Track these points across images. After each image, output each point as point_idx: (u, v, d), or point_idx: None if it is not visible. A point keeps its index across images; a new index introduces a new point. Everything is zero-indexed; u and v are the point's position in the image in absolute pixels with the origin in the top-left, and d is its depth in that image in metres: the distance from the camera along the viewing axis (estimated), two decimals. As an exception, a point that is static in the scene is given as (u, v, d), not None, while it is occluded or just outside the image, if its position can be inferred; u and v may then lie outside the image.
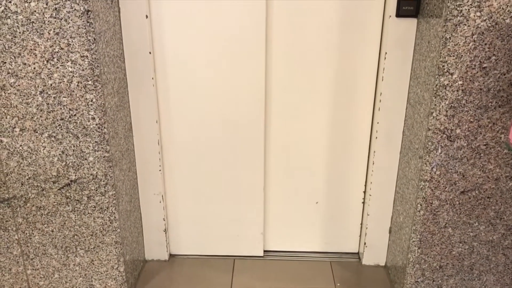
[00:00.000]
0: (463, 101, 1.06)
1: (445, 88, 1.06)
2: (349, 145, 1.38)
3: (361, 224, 1.50)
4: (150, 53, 1.25)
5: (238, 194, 1.44)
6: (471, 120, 1.08)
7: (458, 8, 0.98)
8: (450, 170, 1.13)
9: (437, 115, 1.08)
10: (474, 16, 0.99)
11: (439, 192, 1.16)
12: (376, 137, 1.33)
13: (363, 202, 1.47)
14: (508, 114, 1.07)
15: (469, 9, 0.98)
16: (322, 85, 1.31)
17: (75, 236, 1.24)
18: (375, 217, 1.43)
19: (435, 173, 1.14)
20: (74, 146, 1.13)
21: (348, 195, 1.46)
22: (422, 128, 1.15)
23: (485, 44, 1.01)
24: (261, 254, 1.53)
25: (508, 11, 0.98)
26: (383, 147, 1.33)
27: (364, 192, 1.45)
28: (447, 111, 1.08)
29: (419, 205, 1.18)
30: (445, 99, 1.06)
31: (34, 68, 1.05)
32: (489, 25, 0.99)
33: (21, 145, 1.13)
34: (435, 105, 1.08)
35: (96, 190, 1.18)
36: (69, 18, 1.01)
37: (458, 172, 1.14)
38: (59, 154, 1.14)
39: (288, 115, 1.35)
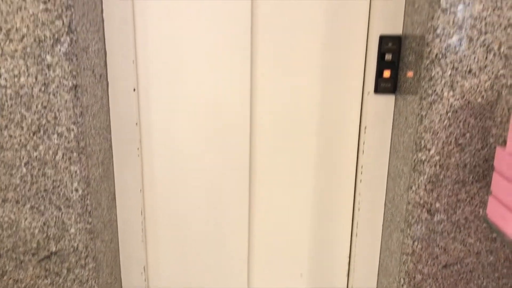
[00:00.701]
0: (441, 176, 1.09)
1: (423, 163, 1.08)
2: (333, 217, 1.39)
3: (346, 297, 1.48)
4: (136, 124, 1.28)
5: (221, 266, 1.42)
6: (450, 194, 1.10)
7: (432, 88, 1.03)
8: (431, 244, 1.14)
9: (416, 189, 1.10)
10: (447, 95, 1.03)
11: (421, 266, 1.16)
12: (359, 209, 1.34)
13: (348, 275, 1.45)
14: (485, 189, 1.10)
15: (442, 89, 1.03)
16: (304, 158, 1.33)
17: (52, 310, 1.20)
18: (360, 290, 1.41)
19: (416, 246, 1.14)
20: (56, 218, 1.13)
21: (332, 267, 1.45)
22: (402, 202, 1.17)
23: (460, 121, 1.05)
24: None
25: (479, 91, 1.03)
26: (366, 219, 1.34)
27: (349, 264, 1.44)
28: (426, 186, 1.10)
29: (402, 279, 1.18)
30: (424, 173, 1.09)
31: (20, 140, 1.07)
32: (462, 103, 1.04)
33: (1, 216, 1.12)
34: (414, 179, 1.10)
35: (76, 263, 1.16)
36: (57, 92, 1.04)
37: (439, 246, 1.14)
38: (41, 226, 1.13)
39: (272, 190, 1.36)
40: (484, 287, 1.17)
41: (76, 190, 1.11)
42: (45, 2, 0.98)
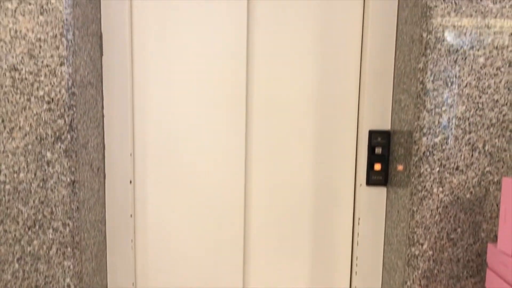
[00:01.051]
0: (435, 271, 1.09)
1: (417, 258, 1.09)
2: (328, 309, 1.37)
3: None
4: (131, 216, 1.28)
5: None
6: (445, 289, 1.10)
7: (421, 184, 1.06)
8: None
9: (411, 284, 1.10)
10: (437, 191, 1.06)
11: None
12: (355, 302, 1.32)
13: None
14: (480, 284, 1.09)
15: (431, 185, 1.06)
16: (300, 250, 1.33)
17: None
18: None
19: None
20: (45, 314, 1.10)
21: None
22: (398, 296, 1.16)
23: (450, 216, 1.07)
24: None
25: (467, 187, 1.06)
26: (362, 312, 1.32)
27: None
28: (420, 281, 1.09)
29: None
30: (418, 268, 1.09)
31: (15, 235, 1.07)
32: (452, 199, 1.06)
33: (-10, 313, 1.10)
34: (409, 274, 1.10)
35: None
36: (55, 188, 1.05)
37: None
38: (29, 323, 1.11)
39: (266, 276, 1.35)
40: None
41: (69, 286, 1.09)
42: (48, 102, 1.03)
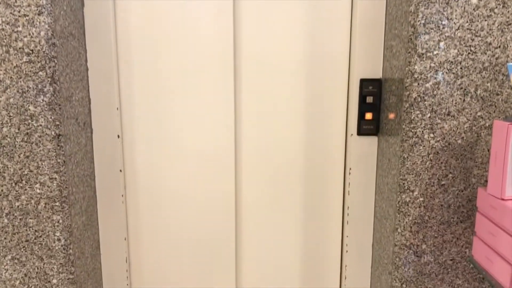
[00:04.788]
0: (426, 217, 1.09)
1: (407, 205, 1.09)
2: (321, 259, 1.38)
3: None
4: (120, 171, 1.27)
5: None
6: (436, 235, 1.10)
7: (412, 130, 1.05)
8: (420, 286, 1.13)
9: (402, 231, 1.10)
10: (428, 137, 1.05)
11: (411, 309, 1.14)
12: (347, 251, 1.33)
13: (338, 318, 1.43)
14: (470, 229, 1.10)
15: (423, 131, 1.05)
16: (291, 200, 1.33)
17: None
18: (351, 335, 1.38)
19: (405, 289, 1.13)
20: (38, 269, 1.10)
21: (322, 310, 1.42)
22: (389, 243, 1.16)
23: (441, 163, 1.06)
24: None
25: (458, 132, 1.04)
26: (354, 261, 1.33)
27: (338, 307, 1.42)
28: (411, 227, 1.10)
29: (392, 323, 1.16)
30: (408, 215, 1.09)
31: (2, 190, 1.06)
32: (443, 145, 1.05)
33: (-18, 269, 1.10)
34: (399, 221, 1.10)
35: (58, 315, 1.13)
36: (40, 142, 1.03)
37: (428, 288, 1.13)
38: (22, 277, 1.11)
39: (259, 231, 1.35)
40: (475, 329, 1.16)
41: (59, 240, 1.09)
42: (28, 54, 0.99)
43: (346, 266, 1.34)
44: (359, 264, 1.33)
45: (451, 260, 1.12)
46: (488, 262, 0.93)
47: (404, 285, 1.13)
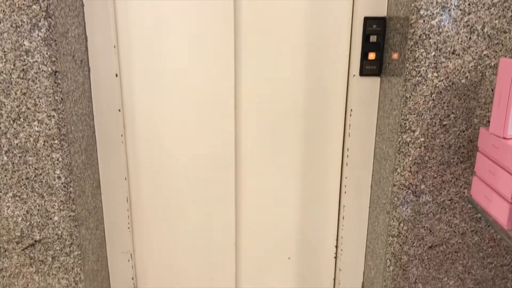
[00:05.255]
0: (426, 158, 1.09)
1: (408, 145, 1.08)
2: (320, 200, 1.39)
3: (334, 279, 1.49)
4: (119, 110, 1.26)
5: (210, 250, 1.42)
6: (435, 176, 1.10)
7: (416, 69, 1.03)
8: (417, 225, 1.14)
9: (401, 171, 1.10)
10: (431, 76, 1.03)
11: (407, 247, 1.16)
12: (345, 192, 1.34)
13: (335, 257, 1.46)
14: (469, 170, 1.10)
15: (426, 70, 1.03)
16: (291, 141, 1.33)
17: (38, 299, 1.20)
18: (348, 273, 1.42)
19: (402, 228, 1.14)
20: (39, 206, 1.11)
21: (320, 249, 1.45)
22: (388, 184, 1.17)
23: (444, 102, 1.05)
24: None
25: (463, 71, 1.02)
26: (352, 201, 1.35)
27: (336, 246, 1.45)
28: (411, 167, 1.10)
29: (388, 260, 1.18)
30: (409, 155, 1.09)
31: (0, 127, 1.05)
32: (446, 84, 1.03)
33: (-17, 205, 1.11)
34: (399, 161, 1.10)
35: (61, 250, 1.15)
36: (36, 79, 1.01)
37: (425, 227, 1.15)
38: (23, 214, 1.12)
39: (258, 175, 1.36)
40: (469, 267, 1.18)
41: (59, 178, 1.09)
42: (21, -14, 0.96)
43: (344, 206, 1.35)
44: (357, 204, 1.35)
45: (449, 200, 1.12)
46: (487, 201, 0.94)
47: (401, 224, 1.14)
